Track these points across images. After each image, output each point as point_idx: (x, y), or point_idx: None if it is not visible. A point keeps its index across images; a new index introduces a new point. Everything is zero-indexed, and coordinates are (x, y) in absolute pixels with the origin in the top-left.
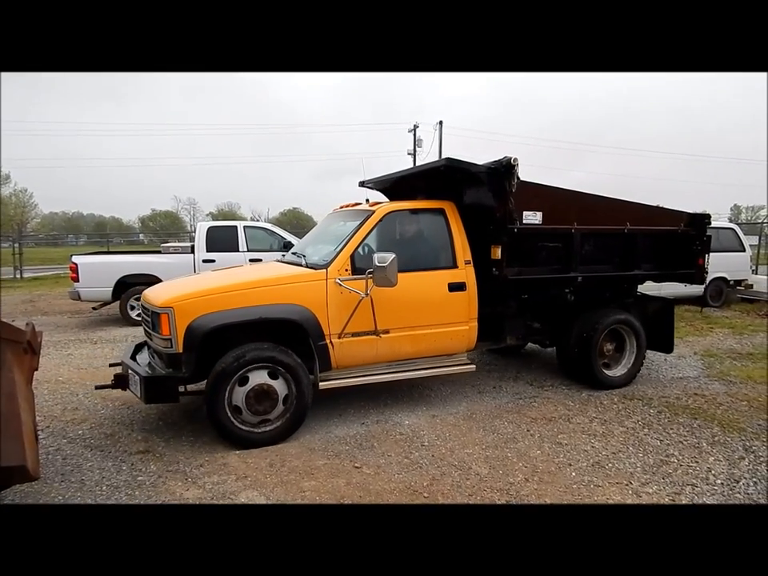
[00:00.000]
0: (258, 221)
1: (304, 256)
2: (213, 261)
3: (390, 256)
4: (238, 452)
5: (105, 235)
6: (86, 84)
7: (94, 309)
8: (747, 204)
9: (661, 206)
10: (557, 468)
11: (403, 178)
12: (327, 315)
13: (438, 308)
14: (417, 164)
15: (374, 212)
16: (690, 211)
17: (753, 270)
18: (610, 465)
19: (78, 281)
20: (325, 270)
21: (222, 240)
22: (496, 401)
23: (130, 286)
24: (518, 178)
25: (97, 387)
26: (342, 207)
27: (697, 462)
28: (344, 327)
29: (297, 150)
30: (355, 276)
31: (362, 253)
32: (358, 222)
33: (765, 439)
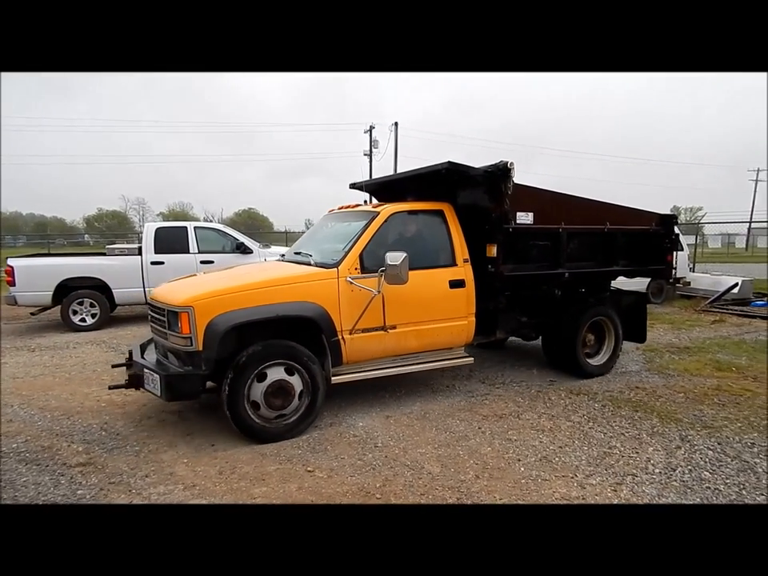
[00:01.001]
0: (211, 221)
1: (310, 255)
2: (162, 263)
3: (402, 255)
4: (186, 460)
5: (46, 236)
6: (34, 79)
7: (32, 314)
8: (686, 205)
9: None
10: (506, 464)
11: (396, 180)
12: (339, 312)
13: (440, 304)
14: (372, 164)
15: (378, 213)
16: (661, 212)
17: (690, 269)
18: (556, 459)
19: (15, 285)
20: (336, 269)
21: (171, 241)
22: (449, 399)
23: (72, 290)
24: (513, 181)
25: (110, 387)
26: (340, 208)
27: (637, 452)
28: (355, 323)
29: (255, 149)
30: (365, 274)
31: (369, 252)
32: (364, 223)
33: (699, 429)
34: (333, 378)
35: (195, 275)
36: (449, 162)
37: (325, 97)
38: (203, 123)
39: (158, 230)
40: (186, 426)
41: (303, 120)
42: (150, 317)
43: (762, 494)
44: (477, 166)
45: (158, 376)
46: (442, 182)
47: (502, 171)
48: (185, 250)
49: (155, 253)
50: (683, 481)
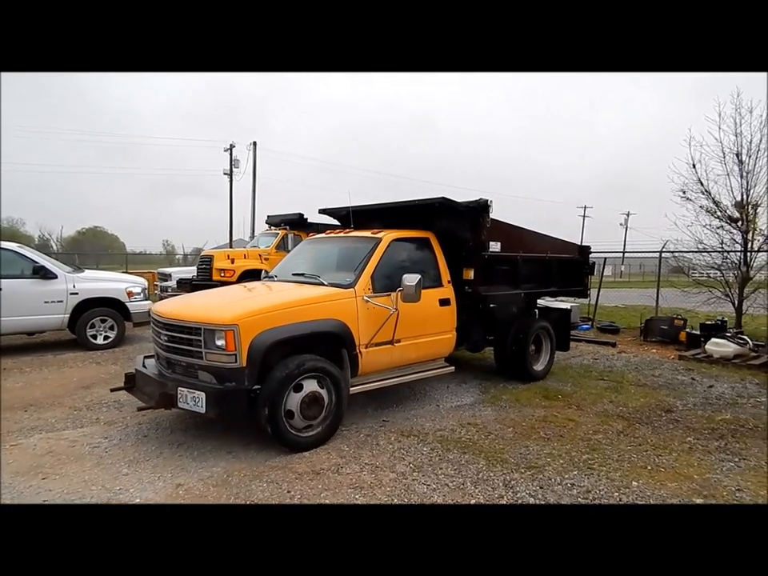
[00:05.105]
0: (47, 240)
1: (318, 276)
2: None
3: (417, 276)
4: None
5: None
6: None
7: None
8: None
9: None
10: None
11: (371, 210)
12: (358, 328)
13: (433, 320)
14: (232, 183)
15: (381, 239)
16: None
17: None
18: None
19: None
20: (353, 289)
21: None
22: (263, 454)
23: None
24: (491, 215)
25: (139, 409)
26: (328, 233)
27: None
28: (372, 338)
29: (121, 163)
30: (377, 293)
31: (377, 273)
32: (370, 247)
33: (523, 471)
34: (351, 389)
35: (193, 294)
36: (443, 197)
37: (207, 114)
38: (66, 130)
39: None
40: None
41: (184, 136)
42: (162, 336)
43: None
44: (460, 201)
45: (202, 393)
46: (424, 213)
47: (482, 207)
48: None
49: None
50: None
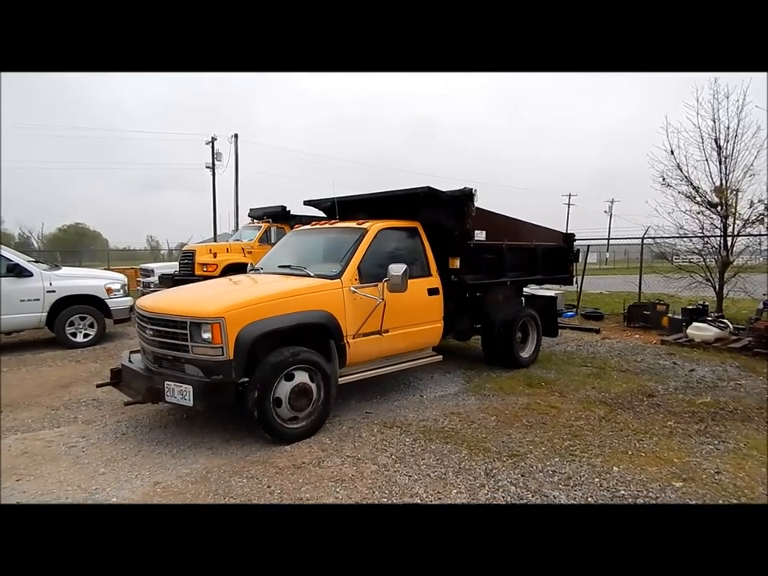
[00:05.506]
0: (28, 238)
1: (304, 267)
2: None
3: (403, 266)
4: None
5: None
6: None
7: None
8: None
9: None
10: None
11: (358, 200)
12: (345, 319)
13: (422, 309)
14: (215, 177)
15: (368, 229)
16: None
17: None
18: None
19: None
20: (340, 280)
21: None
22: (243, 449)
23: None
24: (476, 204)
25: (126, 404)
26: (313, 224)
27: (440, 498)
28: (359, 328)
29: (105, 158)
30: (364, 284)
31: (365, 264)
32: (356, 238)
33: (505, 459)
34: (339, 380)
35: (178, 288)
36: (428, 186)
37: (198, 108)
38: (46, 126)
39: None
40: None
41: (172, 130)
42: (148, 330)
43: None
44: (444, 191)
45: (189, 386)
46: (410, 203)
47: (466, 196)
48: None
49: None
50: None
